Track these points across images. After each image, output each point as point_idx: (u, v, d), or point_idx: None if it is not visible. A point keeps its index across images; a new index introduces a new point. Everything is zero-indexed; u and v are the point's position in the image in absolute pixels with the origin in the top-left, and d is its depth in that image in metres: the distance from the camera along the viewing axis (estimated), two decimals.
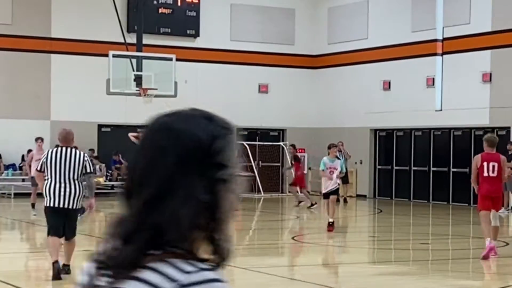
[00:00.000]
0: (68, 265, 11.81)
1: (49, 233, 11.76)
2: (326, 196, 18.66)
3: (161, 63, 26.14)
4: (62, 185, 11.50)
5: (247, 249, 16.68)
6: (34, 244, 17.14)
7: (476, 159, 14.46)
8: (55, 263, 11.54)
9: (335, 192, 19.04)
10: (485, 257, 14.15)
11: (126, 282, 2.03)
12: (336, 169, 18.56)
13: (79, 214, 12.38)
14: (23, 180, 28.42)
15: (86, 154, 12.23)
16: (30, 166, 22.93)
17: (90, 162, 12.03)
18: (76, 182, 11.59)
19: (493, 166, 13.99)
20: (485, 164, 14.07)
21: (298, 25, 32.99)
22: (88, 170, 11.77)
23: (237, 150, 2.13)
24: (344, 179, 26.74)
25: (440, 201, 27.79)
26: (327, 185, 18.61)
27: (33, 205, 22.22)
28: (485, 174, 14.01)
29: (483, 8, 26.61)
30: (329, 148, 19.00)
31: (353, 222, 20.97)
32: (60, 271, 11.53)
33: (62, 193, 11.48)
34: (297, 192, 26.37)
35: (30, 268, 13.24)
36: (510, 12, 25.93)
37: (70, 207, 11.55)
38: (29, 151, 28.11)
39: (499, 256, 15.38)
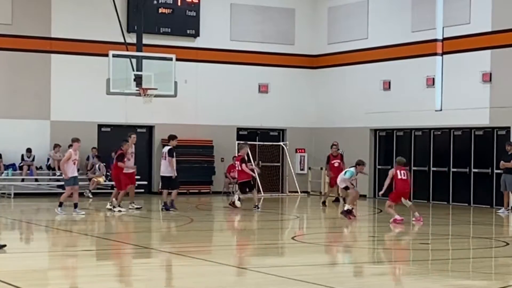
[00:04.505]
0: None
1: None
2: (347, 188, 22.20)
3: (161, 63, 26.10)
4: None
5: (247, 249, 16.68)
6: (34, 244, 17.13)
7: (392, 170, 20.69)
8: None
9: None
10: (396, 222, 20.18)
11: None
12: (356, 179, 23.34)
13: None
14: (23, 180, 28.37)
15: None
16: (64, 165, 21.56)
17: None
18: None
19: (404, 173, 20.55)
20: (398, 171, 20.53)
21: (298, 25, 32.98)
22: None
23: None
24: None
25: (440, 201, 27.79)
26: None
27: (60, 204, 21.52)
28: (399, 177, 20.46)
29: (483, 8, 26.60)
30: (358, 164, 21.88)
31: (353, 222, 20.96)
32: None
33: None
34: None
35: (30, 268, 13.22)
36: (510, 12, 25.92)
37: None
38: (28, 150, 28.17)
39: (499, 256, 15.40)
